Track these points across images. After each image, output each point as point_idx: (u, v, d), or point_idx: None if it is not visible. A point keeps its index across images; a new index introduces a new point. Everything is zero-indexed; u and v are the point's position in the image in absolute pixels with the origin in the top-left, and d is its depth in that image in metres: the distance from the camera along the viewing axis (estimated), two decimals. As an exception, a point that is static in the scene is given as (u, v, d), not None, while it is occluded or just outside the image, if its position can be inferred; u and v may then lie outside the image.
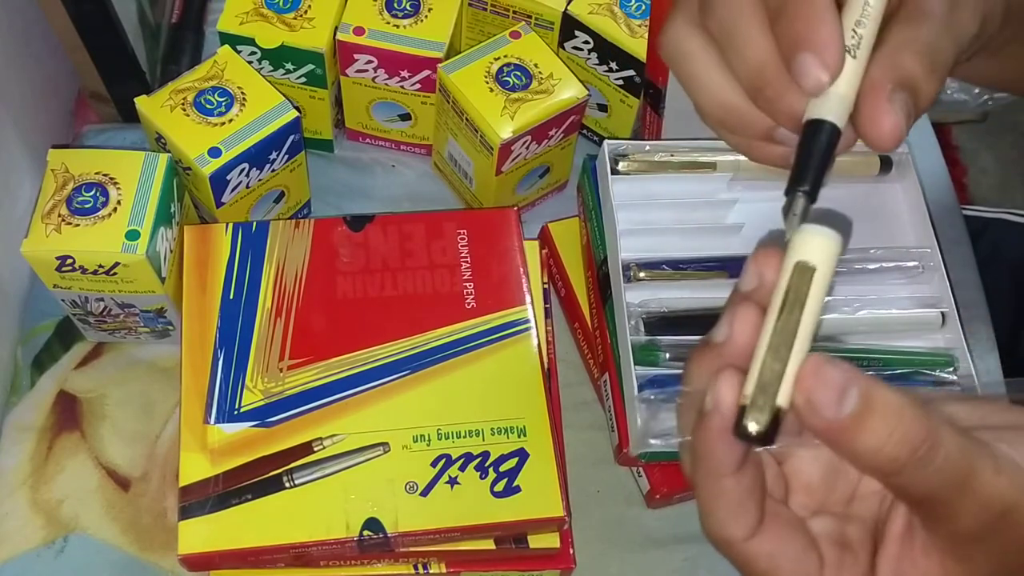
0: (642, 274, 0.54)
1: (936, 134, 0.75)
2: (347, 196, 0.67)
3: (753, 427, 0.28)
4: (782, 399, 0.28)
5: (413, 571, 0.52)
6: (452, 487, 0.48)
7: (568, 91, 0.59)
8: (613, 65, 0.62)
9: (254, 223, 0.55)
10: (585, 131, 0.70)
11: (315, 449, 0.49)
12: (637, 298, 0.54)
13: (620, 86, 0.63)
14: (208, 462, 0.48)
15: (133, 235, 0.50)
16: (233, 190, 0.57)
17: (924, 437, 0.27)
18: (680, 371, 0.50)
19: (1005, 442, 0.29)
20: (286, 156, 0.58)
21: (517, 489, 0.48)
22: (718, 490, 0.30)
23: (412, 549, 0.49)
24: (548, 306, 0.58)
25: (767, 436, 0.28)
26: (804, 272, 0.28)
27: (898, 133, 0.31)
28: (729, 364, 0.29)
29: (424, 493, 0.48)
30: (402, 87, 0.63)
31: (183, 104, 0.56)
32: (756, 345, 0.28)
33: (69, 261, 0.51)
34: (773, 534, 0.31)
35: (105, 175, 0.52)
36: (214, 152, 0.55)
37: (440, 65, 0.60)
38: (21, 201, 0.63)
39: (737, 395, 0.28)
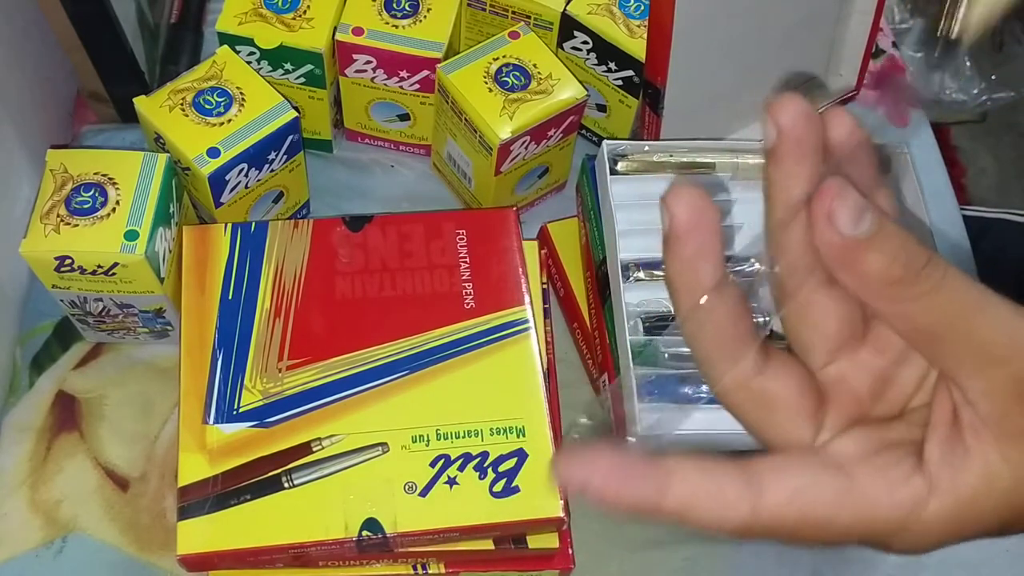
0: (641, 274, 0.54)
1: (935, 134, 0.75)
2: (346, 196, 0.67)
3: None
4: None
5: (412, 571, 0.52)
6: (451, 487, 0.48)
7: (567, 91, 0.59)
8: (612, 65, 0.62)
9: (253, 223, 0.55)
10: (584, 131, 0.70)
11: (314, 449, 0.49)
12: (636, 298, 0.54)
13: (619, 86, 0.63)
14: (207, 462, 0.48)
15: (132, 235, 0.50)
16: (232, 190, 0.57)
17: (926, 259, 0.28)
18: (679, 371, 0.50)
19: None
20: (285, 156, 0.58)
21: (516, 489, 0.48)
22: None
23: (411, 549, 0.49)
24: (547, 306, 0.58)
25: None
26: None
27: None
28: None
29: (423, 493, 0.48)
30: (401, 87, 0.63)
31: (182, 104, 0.56)
32: None
33: (68, 261, 0.51)
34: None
35: (104, 175, 0.52)
36: (213, 152, 0.55)
37: (439, 65, 0.60)
38: (20, 201, 0.63)
39: None
